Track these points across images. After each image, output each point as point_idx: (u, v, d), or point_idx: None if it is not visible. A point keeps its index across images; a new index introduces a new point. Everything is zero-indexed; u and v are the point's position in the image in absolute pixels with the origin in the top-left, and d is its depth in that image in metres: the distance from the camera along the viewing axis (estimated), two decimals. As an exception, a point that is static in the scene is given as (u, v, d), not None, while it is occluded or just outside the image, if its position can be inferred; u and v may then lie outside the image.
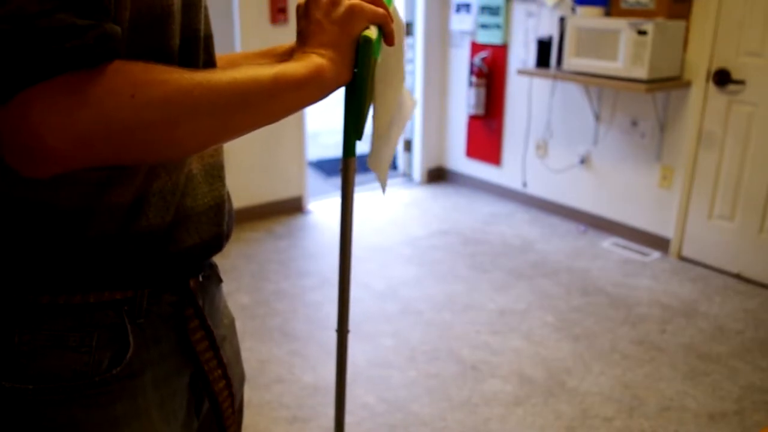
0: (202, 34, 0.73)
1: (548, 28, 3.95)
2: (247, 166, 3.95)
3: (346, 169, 0.85)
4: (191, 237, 0.75)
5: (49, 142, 0.54)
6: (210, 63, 0.76)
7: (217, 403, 0.82)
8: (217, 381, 0.81)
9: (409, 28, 4.76)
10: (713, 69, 3.27)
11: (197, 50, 0.73)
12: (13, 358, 0.67)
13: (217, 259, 0.87)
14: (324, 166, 5.48)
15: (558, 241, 3.82)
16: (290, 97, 0.69)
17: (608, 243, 3.79)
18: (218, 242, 0.80)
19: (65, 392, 0.68)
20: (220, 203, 0.80)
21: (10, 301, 0.67)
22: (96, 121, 0.55)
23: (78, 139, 0.55)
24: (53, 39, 0.53)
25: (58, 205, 0.66)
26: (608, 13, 3.55)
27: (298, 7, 0.78)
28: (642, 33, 3.19)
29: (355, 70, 0.76)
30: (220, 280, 0.88)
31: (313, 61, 0.70)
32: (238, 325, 0.96)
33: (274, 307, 3.00)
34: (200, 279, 0.80)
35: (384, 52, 0.80)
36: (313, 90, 0.70)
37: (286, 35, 3.92)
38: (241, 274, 3.33)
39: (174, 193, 0.73)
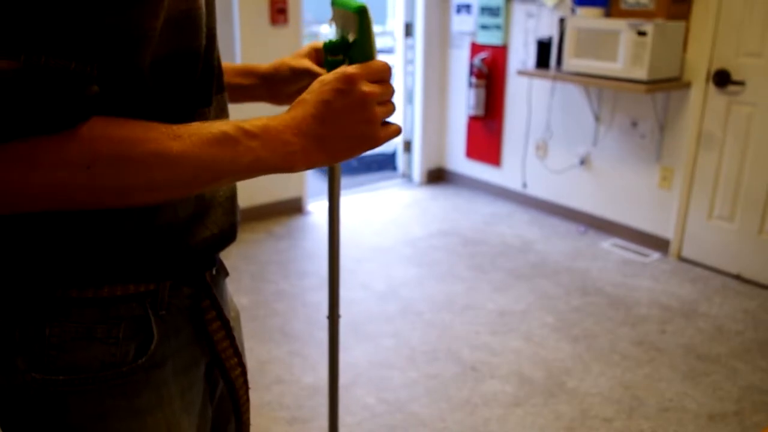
0: (216, 31, 0.76)
1: (548, 28, 3.95)
2: (247, 167, 3.95)
3: None
4: (210, 228, 0.77)
5: (1, 195, 0.56)
6: (218, 58, 0.78)
7: (234, 389, 0.85)
8: (234, 369, 0.84)
9: (409, 29, 4.76)
10: (713, 69, 3.28)
11: (214, 47, 0.75)
12: (43, 350, 0.69)
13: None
14: (323, 167, 5.47)
15: (558, 242, 3.82)
16: (254, 176, 0.69)
17: (608, 244, 3.79)
18: (233, 232, 0.83)
19: (94, 383, 0.70)
20: (234, 194, 0.83)
21: (40, 295, 0.69)
22: (46, 184, 0.57)
23: (26, 196, 0.57)
24: (16, 104, 0.53)
25: None
26: (608, 14, 3.55)
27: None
28: (642, 34, 3.20)
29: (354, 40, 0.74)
30: (226, 274, 0.91)
31: (293, 151, 0.67)
32: (237, 325, 0.99)
33: (274, 308, 3.00)
34: (213, 272, 0.83)
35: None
36: (277, 172, 0.70)
37: (286, 36, 3.93)
38: (241, 275, 3.33)
39: None
